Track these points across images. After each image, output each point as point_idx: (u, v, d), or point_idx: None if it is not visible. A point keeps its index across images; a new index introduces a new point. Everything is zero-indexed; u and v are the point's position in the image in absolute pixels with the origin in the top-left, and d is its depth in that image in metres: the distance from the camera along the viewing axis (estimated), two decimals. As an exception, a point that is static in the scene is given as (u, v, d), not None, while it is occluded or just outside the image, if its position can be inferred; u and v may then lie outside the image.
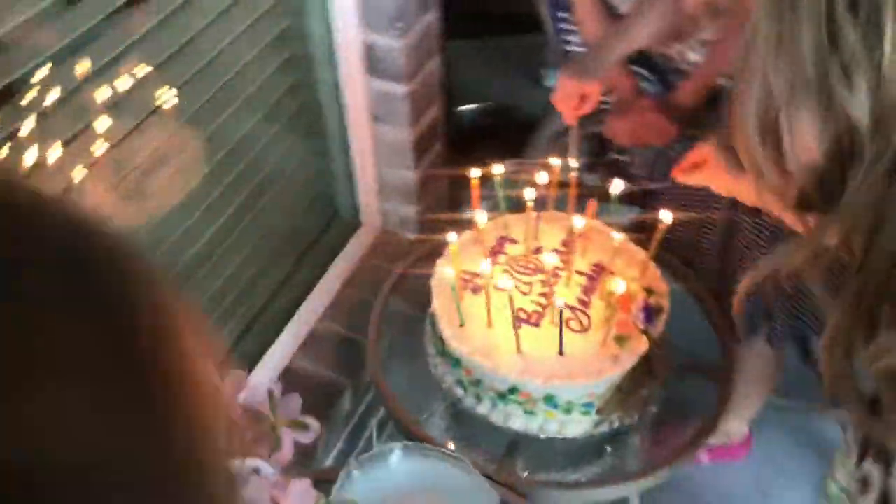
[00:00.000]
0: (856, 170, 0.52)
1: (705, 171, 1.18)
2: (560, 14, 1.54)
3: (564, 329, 1.17)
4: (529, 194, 1.26)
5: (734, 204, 1.30)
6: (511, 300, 1.16)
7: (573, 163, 1.33)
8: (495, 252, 1.30)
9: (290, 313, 1.45)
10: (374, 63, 1.37)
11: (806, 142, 0.54)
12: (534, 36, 2.68)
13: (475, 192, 1.27)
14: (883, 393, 0.59)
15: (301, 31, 1.34)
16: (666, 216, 1.20)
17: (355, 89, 1.40)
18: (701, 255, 1.44)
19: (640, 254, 1.28)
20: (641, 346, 1.17)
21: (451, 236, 1.24)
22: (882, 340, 0.55)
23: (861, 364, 0.59)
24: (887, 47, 0.50)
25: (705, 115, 1.49)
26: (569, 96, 1.25)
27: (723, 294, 1.45)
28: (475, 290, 1.24)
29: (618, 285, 1.14)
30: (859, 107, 0.51)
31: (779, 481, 1.74)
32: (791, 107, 0.54)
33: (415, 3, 1.33)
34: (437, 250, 1.31)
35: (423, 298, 1.31)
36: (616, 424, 1.22)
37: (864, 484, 1.02)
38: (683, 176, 1.21)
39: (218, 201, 1.26)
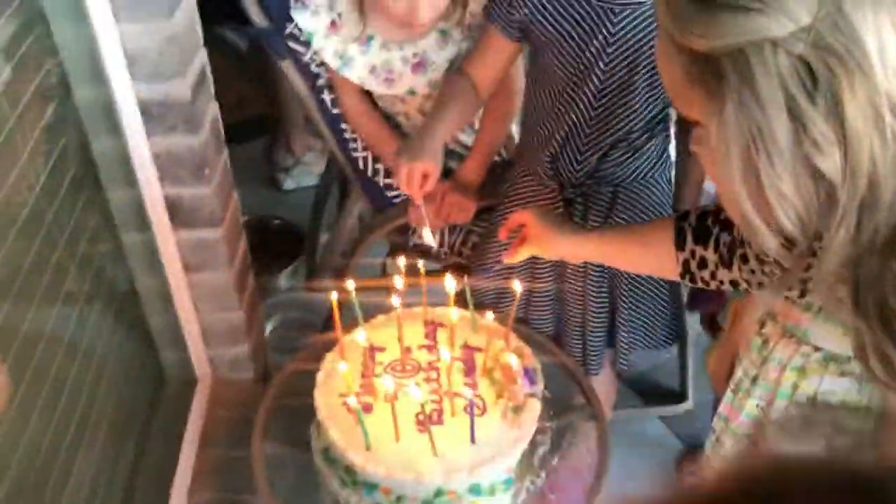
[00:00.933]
0: (833, 213, 0.64)
1: (532, 243, 1.28)
2: (339, 126, 1.59)
3: (462, 415, 1.21)
4: (396, 301, 1.28)
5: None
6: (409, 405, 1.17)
7: (429, 240, 1.39)
8: (369, 366, 1.30)
9: (160, 498, 1.33)
10: (183, 214, 1.32)
11: (790, 201, 0.64)
12: (257, 142, 2.72)
13: (336, 312, 1.27)
14: None
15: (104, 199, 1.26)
16: (517, 286, 1.28)
17: (168, 244, 1.33)
18: (534, 308, 1.56)
19: (496, 325, 1.35)
20: (536, 408, 1.24)
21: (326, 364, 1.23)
22: None
23: None
24: (848, 122, 0.61)
25: (492, 187, 1.62)
26: (412, 178, 1.30)
27: (562, 337, 1.59)
28: (367, 409, 1.23)
29: (510, 359, 1.20)
30: (833, 167, 0.62)
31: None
32: (775, 178, 0.64)
33: (213, 146, 1.31)
34: (294, 383, 1.29)
35: (297, 435, 1.27)
36: (531, 487, 1.28)
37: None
38: (514, 257, 1.30)
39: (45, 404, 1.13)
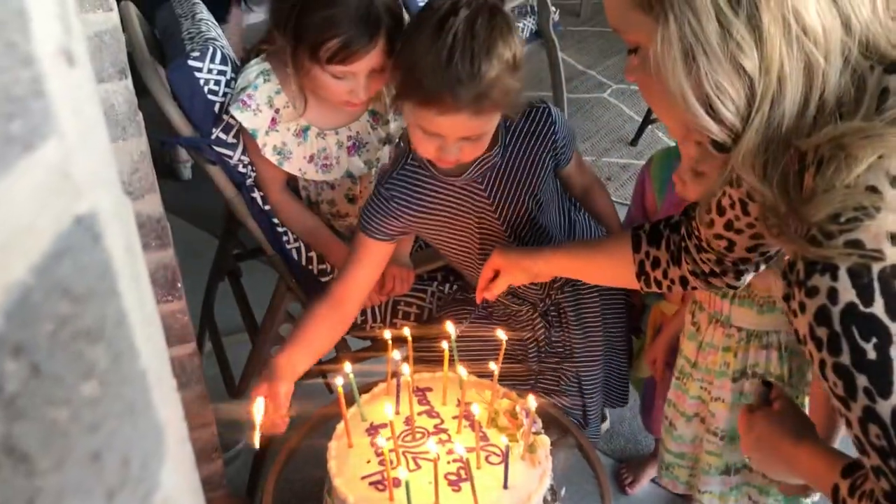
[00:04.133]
0: (753, 103, 0.80)
1: (506, 273, 1.38)
2: (270, 221, 1.60)
3: (487, 465, 1.26)
4: (406, 370, 1.31)
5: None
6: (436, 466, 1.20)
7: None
8: (375, 443, 1.31)
9: None
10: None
11: (726, 91, 0.79)
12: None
13: (341, 397, 1.27)
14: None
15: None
16: (501, 334, 1.36)
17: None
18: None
19: (479, 379, 1.42)
20: (546, 443, 1.31)
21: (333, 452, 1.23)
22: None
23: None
24: (763, 27, 0.77)
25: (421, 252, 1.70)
26: (274, 397, 1.29)
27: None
28: (396, 485, 1.24)
29: (519, 409, 1.28)
30: (752, 65, 0.78)
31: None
32: (713, 75, 0.79)
33: (178, 257, 1.28)
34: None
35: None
36: (558, 520, 1.34)
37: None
38: (489, 294, 1.39)
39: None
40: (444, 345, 1.34)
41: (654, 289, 1.27)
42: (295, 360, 1.34)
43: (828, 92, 0.79)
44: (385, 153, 1.57)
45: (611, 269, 1.31)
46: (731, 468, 1.61)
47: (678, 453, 1.69)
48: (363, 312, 1.70)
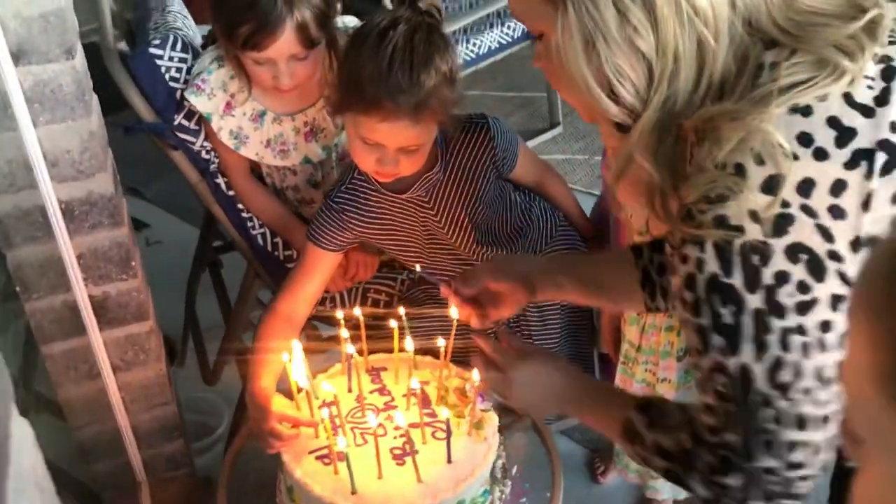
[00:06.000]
0: (651, 84, 0.83)
1: (507, 304, 1.30)
2: (235, 207, 1.64)
3: (432, 440, 1.28)
4: (350, 349, 1.34)
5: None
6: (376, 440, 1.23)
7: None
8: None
9: None
10: (111, 313, 1.31)
11: (626, 74, 0.83)
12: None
13: (291, 380, 1.30)
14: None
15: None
16: (454, 312, 1.38)
17: (99, 347, 1.31)
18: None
19: (432, 360, 1.44)
20: (495, 420, 1.34)
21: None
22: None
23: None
24: (657, 10, 0.79)
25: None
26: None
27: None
28: (341, 458, 1.27)
29: (469, 387, 1.30)
30: (649, 47, 0.81)
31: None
32: (613, 59, 0.82)
33: (132, 236, 1.32)
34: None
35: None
36: (501, 496, 1.36)
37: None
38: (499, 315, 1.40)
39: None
40: (393, 323, 1.37)
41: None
42: (265, 383, 1.35)
43: (716, 71, 0.82)
44: (343, 138, 1.60)
45: (615, 302, 1.30)
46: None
47: (636, 466, 1.69)
48: (332, 298, 1.72)
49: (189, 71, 1.51)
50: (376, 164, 1.34)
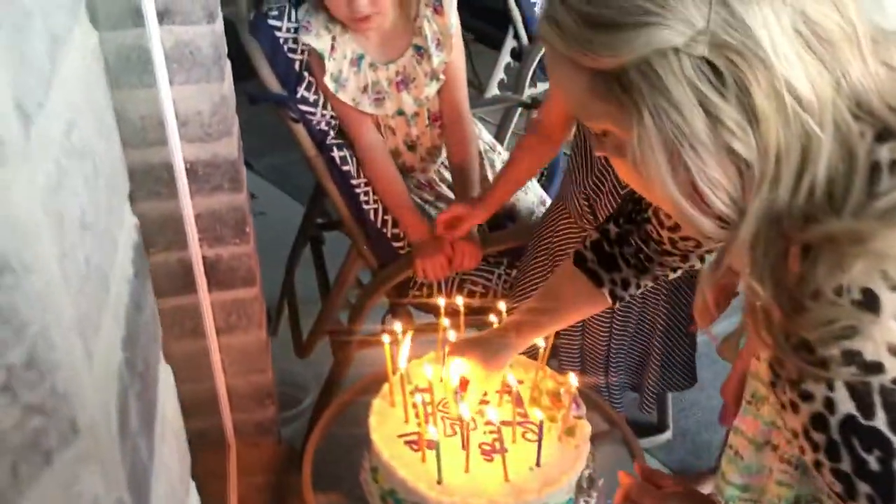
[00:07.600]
0: (751, 188, 0.71)
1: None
2: (349, 183, 1.65)
3: (522, 441, 1.26)
4: (452, 336, 1.33)
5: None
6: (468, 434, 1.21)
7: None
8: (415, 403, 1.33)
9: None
10: (221, 275, 1.33)
11: (720, 184, 0.71)
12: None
13: (389, 357, 1.30)
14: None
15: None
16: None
17: (206, 308, 1.34)
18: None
19: (527, 359, 1.42)
20: (587, 429, 1.30)
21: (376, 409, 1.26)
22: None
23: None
24: (757, 108, 0.68)
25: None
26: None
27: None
28: (431, 447, 1.26)
29: (563, 392, 1.27)
30: (748, 149, 0.69)
31: None
32: (705, 170, 0.71)
33: (249, 203, 1.34)
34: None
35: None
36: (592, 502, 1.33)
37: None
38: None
39: None
40: (492, 318, 1.35)
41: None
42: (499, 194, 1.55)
43: (819, 171, 0.71)
44: (433, 89, 1.60)
45: (583, 313, 1.32)
46: (802, 500, 1.52)
47: (742, 485, 1.61)
48: (429, 285, 1.72)
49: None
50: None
